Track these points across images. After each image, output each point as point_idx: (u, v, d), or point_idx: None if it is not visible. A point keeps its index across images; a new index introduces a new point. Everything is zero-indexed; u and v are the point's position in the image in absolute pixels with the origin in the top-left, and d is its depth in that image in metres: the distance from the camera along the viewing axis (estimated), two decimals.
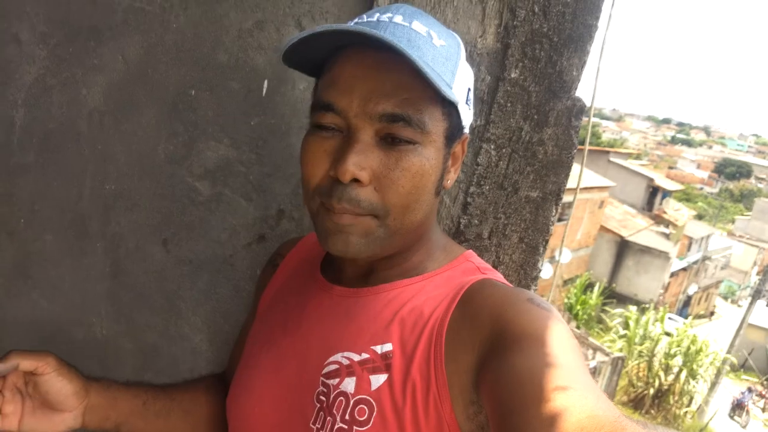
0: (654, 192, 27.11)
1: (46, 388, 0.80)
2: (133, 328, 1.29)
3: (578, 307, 18.39)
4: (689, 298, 31.04)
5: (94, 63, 1.21)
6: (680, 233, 27.17)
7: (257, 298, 1.02)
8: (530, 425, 0.54)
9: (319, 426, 0.74)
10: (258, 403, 0.84)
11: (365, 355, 0.75)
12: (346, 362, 0.76)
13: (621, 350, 16.26)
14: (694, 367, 16.12)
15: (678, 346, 16.53)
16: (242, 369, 0.91)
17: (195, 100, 1.18)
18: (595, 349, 13.74)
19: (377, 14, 0.74)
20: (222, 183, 1.20)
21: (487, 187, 1.05)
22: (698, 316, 29.87)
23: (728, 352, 16.86)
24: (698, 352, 16.29)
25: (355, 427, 0.71)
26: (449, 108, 0.74)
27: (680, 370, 16.11)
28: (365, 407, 0.72)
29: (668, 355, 16.45)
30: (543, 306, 0.70)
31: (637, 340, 16.97)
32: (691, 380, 16.11)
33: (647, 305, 20.30)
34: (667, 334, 17.41)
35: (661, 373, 16.28)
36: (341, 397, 0.74)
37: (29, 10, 1.19)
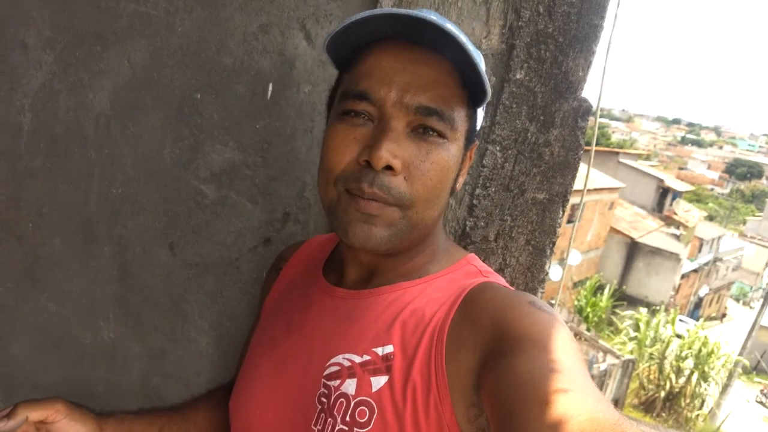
0: (664, 193, 26.94)
1: None
2: (140, 332, 1.30)
3: (588, 309, 18.28)
4: (700, 299, 30.80)
5: (100, 67, 1.21)
6: (691, 234, 26.99)
7: (261, 302, 1.03)
8: (531, 428, 0.54)
9: (320, 427, 0.74)
10: (259, 405, 0.84)
11: (366, 357, 0.75)
12: (347, 364, 0.76)
13: (632, 352, 16.15)
14: (706, 369, 15.97)
15: (689, 348, 16.39)
16: (244, 372, 0.91)
17: (200, 103, 1.18)
18: (606, 351, 13.65)
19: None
20: (228, 186, 1.20)
21: (493, 189, 1.05)
22: (709, 318, 29.62)
23: (740, 354, 16.68)
24: (710, 354, 16.15)
25: (355, 429, 0.71)
26: (471, 111, 0.77)
27: (691, 373, 15.97)
28: (366, 409, 0.72)
29: (679, 358, 16.32)
30: (544, 309, 0.70)
31: (647, 342, 16.84)
32: (702, 383, 15.96)
33: (658, 307, 20.14)
34: (678, 336, 17.27)
35: (673, 376, 16.15)
36: (342, 399, 0.74)
37: (35, 16, 1.19)
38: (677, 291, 26.14)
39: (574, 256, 16.57)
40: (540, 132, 1.02)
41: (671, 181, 28.54)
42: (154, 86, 1.20)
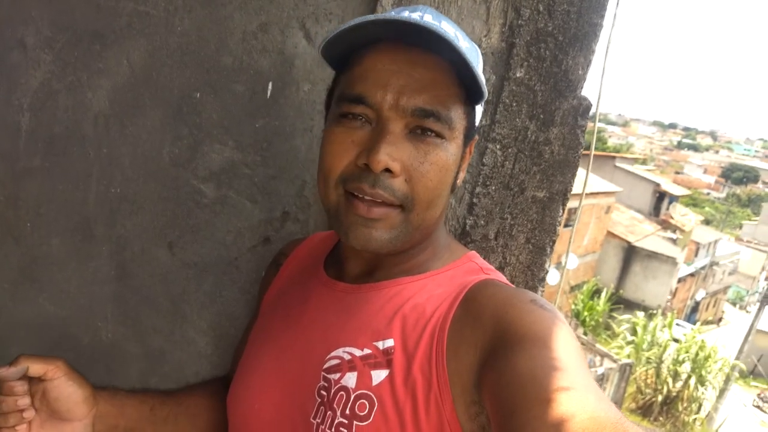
0: (661, 197, 26.99)
1: (56, 395, 0.79)
2: (139, 332, 1.29)
3: (585, 313, 18.29)
4: (697, 303, 30.83)
5: (99, 67, 1.21)
6: (687, 238, 27.03)
7: (260, 298, 1.02)
8: (532, 426, 0.54)
9: (319, 421, 0.73)
10: (258, 399, 0.84)
11: (367, 351, 0.75)
12: (347, 357, 0.76)
13: (629, 356, 16.14)
14: (703, 373, 15.99)
15: (686, 352, 16.42)
16: (243, 366, 0.91)
17: (199, 102, 1.18)
18: (603, 355, 13.66)
19: (406, 12, 0.76)
20: (227, 185, 1.19)
21: (493, 188, 1.05)
22: (706, 322, 29.70)
23: (737, 358, 16.73)
24: (707, 358, 16.17)
25: (355, 422, 0.71)
26: (469, 108, 0.77)
27: (689, 377, 15.98)
28: (366, 402, 0.72)
29: (676, 362, 16.34)
30: (546, 307, 0.70)
31: (645, 346, 16.86)
32: (699, 387, 15.98)
33: (655, 311, 20.17)
34: (675, 340, 17.30)
35: (670, 380, 16.16)
36: (342, 392, 0.74)
37: (34, 15, 1.19)
38: (674, 295, 26.16)
39: (572, 260, 16.59)
40: (540, 130, 1.02)
41: (667, 185, 28.61)
42: (153, 85, 1.20)
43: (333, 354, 0.78)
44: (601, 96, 1.19)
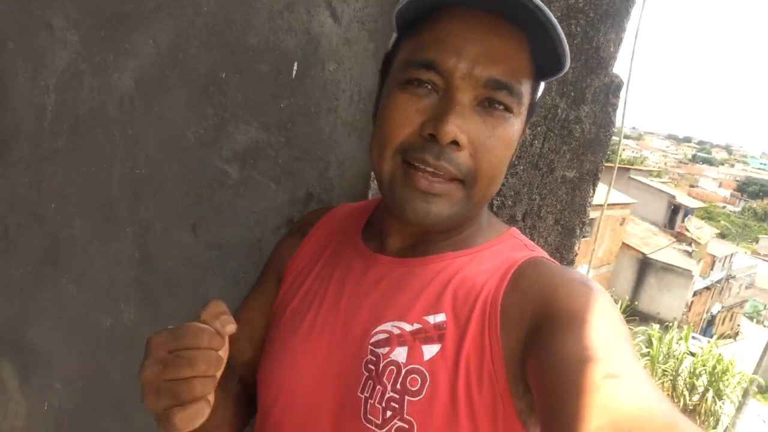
0: (675, 210, 26.75)
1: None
2: (161, 315, 1.28)
3: None
4: (713, 317, 30.42)
5: (125, 48, 1.21)
6: (703, 251, 26.75)
7: (278, 265, 0.96)
8: (580, 415, 0.52)
9: (367, 395, 0.71)
10: (297, 375, 0.81)
11: (417, 325, 0.73)
12: (396, 331, 0.74)
13: (644, 369, 15.94)
14: (720, 387, 15.74)
15: (703, 365, 16.18)
16: (275, 340, 0.87)
17: (225, 83, 1.18)
18: None
19: None
20: (251, 166, 1.19)
21: (522, 167, 1.03)
22: (723, 336, 29.21)
23: (755, 372, 16.42)
24: (724, 372, 15.92)
25: (407, 397, 0.69)
26: (536, 84, 0.74)
27: (706, 390, 15.73)
28: (417, 377, 0.70)
29: (693, 375, 16.10)
30: (595, 288, 0.68)
31: (660, 358, 16.64)
32: (717, 401, 15.72)
33: (670, 324, 19.92)
34: (692, 353, 17.06)
35: (686, 393, 15.92)
36: (392, 366, 0.71)
37: None
38: (689, 308, 25.85)
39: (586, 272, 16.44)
40: (570, 108, 1.00)
41: (682, 198, 28.36)
42: (178, 66, 1.20)
43: (380, 328, 0.75)
44: (630, 80, 1.17)
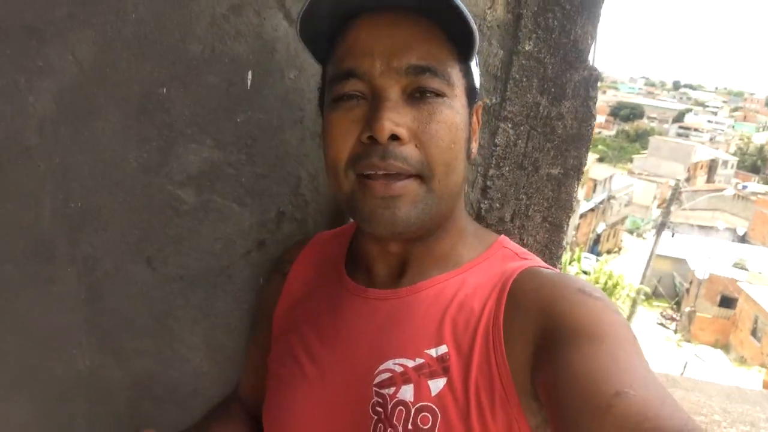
0: None
1: None
2: (120, 357, 1.17)
3: None
4: (598, 236, 32.94)
5: (38, 66, 1.04)
6: (585, 176, 28.63)
7: (265, 310, 0.96)
8: None
9: None
10: (302, 422, 0.78)
11: (420, 360, 0.71)
12: (399, 369, 0.71)
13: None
14: (613, 299, 17.24)
15: (596, 282, 17.58)
16: (277, 387, 0.84)
17: (167, 98, 1.05)
18: None
19: None
20: (209, 189, 1.08)
21: (507, 168, 1.01)
22: (608, 252, 31.84)
23: (641, 282, 18.12)
24: (615, 285, 17.40)
25: None
26: (465, 66, 0.73)
27: None
28: (428, 415, 0.68)
29: None
30: (595, 295, 0.68)
31: None
32: None
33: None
34: (585, 272, 18.44)
35: None
36: (401, 407, 0.69)
37: None
38: (577, 230, 27.77)
39: None
40: (552, 105, 0.98)
41: None
42: (107, 83, 1.05)
43: (382, 367, 0.73)
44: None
